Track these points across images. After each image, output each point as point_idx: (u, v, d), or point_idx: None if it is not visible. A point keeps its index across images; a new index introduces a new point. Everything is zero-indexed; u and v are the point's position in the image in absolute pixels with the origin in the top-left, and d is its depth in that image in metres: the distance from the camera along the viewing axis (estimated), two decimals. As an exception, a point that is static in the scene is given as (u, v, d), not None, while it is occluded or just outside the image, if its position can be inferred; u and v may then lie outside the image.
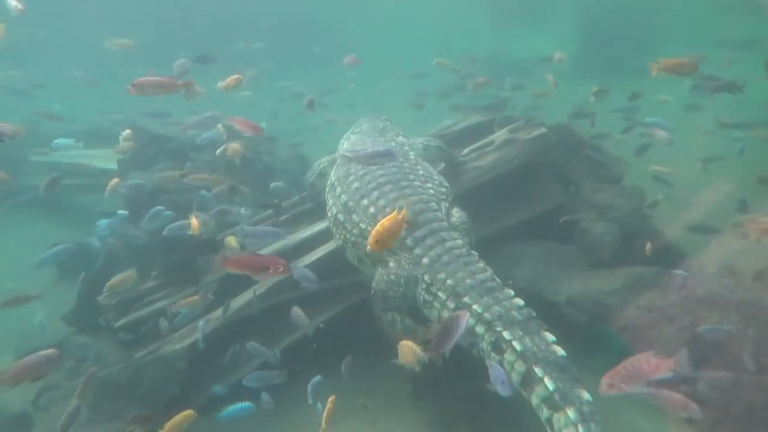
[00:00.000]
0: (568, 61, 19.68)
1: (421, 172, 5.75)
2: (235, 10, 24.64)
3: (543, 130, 6.83)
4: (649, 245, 5.94)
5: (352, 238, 5.40)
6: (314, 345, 5.46)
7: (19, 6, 6.70)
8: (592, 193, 6.68)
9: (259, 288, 5.76)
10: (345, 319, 5.80)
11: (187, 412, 4.30)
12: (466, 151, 6.92)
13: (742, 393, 4.44)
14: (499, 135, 6.93)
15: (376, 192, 5.40)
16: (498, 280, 4.75)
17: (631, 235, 6.31)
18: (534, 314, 4.47)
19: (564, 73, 12.09)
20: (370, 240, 4.03)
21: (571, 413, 3.84)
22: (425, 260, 4.90)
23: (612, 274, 5.72)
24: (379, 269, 5.13)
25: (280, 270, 4.08)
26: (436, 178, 5.81)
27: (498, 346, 4.35)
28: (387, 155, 5.24)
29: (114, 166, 8.61)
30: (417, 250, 4.96)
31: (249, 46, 18.05)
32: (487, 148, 6.80)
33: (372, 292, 5.16)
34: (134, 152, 8.29)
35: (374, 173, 5.59)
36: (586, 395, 3.96)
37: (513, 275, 6.07)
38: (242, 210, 6.90)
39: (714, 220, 6.76)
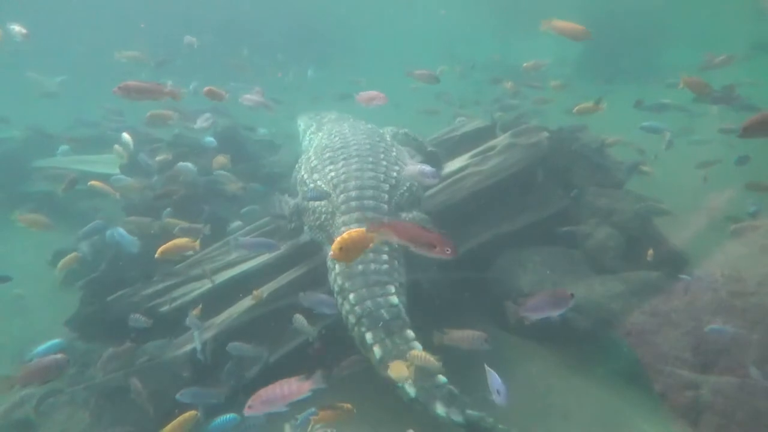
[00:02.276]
0: (572, 66, 19.73)
1: (394, 153, 6.07)
2: (243, 16, 24.84)
3: (545, 134, 6.82)
4: (651, 251, 5.92)
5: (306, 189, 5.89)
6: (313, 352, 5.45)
7: (24, 31, 6.84)
8: (594, 198, 6.67)
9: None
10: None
11: (190, 413, 4.31)
12: (467, 156, 6.91)
13: (747, 398, 4.40)
14: (501, 140, 6.92)
15: (342, 161, 5.83)
16: (393, 275, 4.94)
17: (635, 239, 6.29)
18: (401, 314, 4.67)
19: (566, 77, 12.06)
20: (334, 246, 3.94)
21: (439, 408, 4.16)
22: (344, 229, 5.14)
23: (615, 279, 5.70)
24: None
25: (448, 252, 3.56)
26: (405, 159, 6.05)
27: (364, 345, 4.61)
28: (434, 177, 5.25)
29: (117, 171, 8.63)
30: (343, 218, 5.28)
31: (254, 54, 18.24)
32: (489, 153, 6.79)
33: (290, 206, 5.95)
34: (134, 157, 8.35)
35: (349, 148, 5.99)
36: (442, 380, 4.29)
37: (517, 280, 6.06)
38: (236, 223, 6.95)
39: (720, 225, 6.73)
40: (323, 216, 5.43)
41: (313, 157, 6.19)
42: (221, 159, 7.60)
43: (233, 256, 6.32)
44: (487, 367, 3.96)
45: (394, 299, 4.73)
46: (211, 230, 6.16)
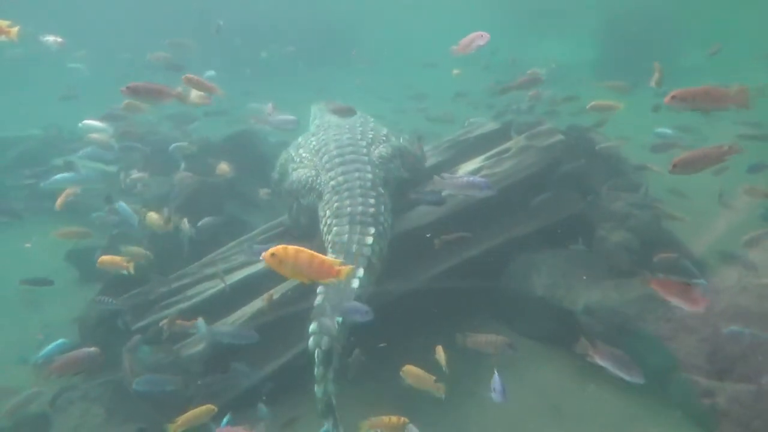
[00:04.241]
0: (589, 67, 19.53)
1: (371, 125, 6.75)
2: (262, 19, 25.05)
3: (560, 137, 6.77)
4: (668, 255, 5.83)
5: (294, 164, 6.41)
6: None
7: (59, 40, 7.03)
8: (610, 202, 6.60)
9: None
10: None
11: (207, 407, 4.32)
12: (481, 157, 6.89)
13: (764, 406, 4.33)
14: (516, 142, 6.88)
15: (323, 132, 6.54)
16: (378, 219, 5.40)
17: (651, 243, 6.21)
18: (368, 254, 5.10)
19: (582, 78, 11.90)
20: (268, 252, 3.10)
21: (312, 325, 4.65)
22: (332, 183, 5.75)
23: (631, 284, 5.63)
24: (300, 169, 6.19)
25: (704, 304, 3.78)
26: (384, 134, 6.58)
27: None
28: (488, 188, 5.25)
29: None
30: (329, 174, 5.83)
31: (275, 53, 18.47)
32: (504, 155, 6.76)
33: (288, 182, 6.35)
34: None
35: (330, 123, 6.70)
36: (338, 319, 4.67)
37: (531, 284, 6.02)
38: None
39: (739, 231, 6.62)
40: (310, 178, 5.96)
41: (301, 141, 6.79)
42: (224, 167, 7.60)
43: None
44: (495, 372, 3.93)
45: (369, 239, 5.23)
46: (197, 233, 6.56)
